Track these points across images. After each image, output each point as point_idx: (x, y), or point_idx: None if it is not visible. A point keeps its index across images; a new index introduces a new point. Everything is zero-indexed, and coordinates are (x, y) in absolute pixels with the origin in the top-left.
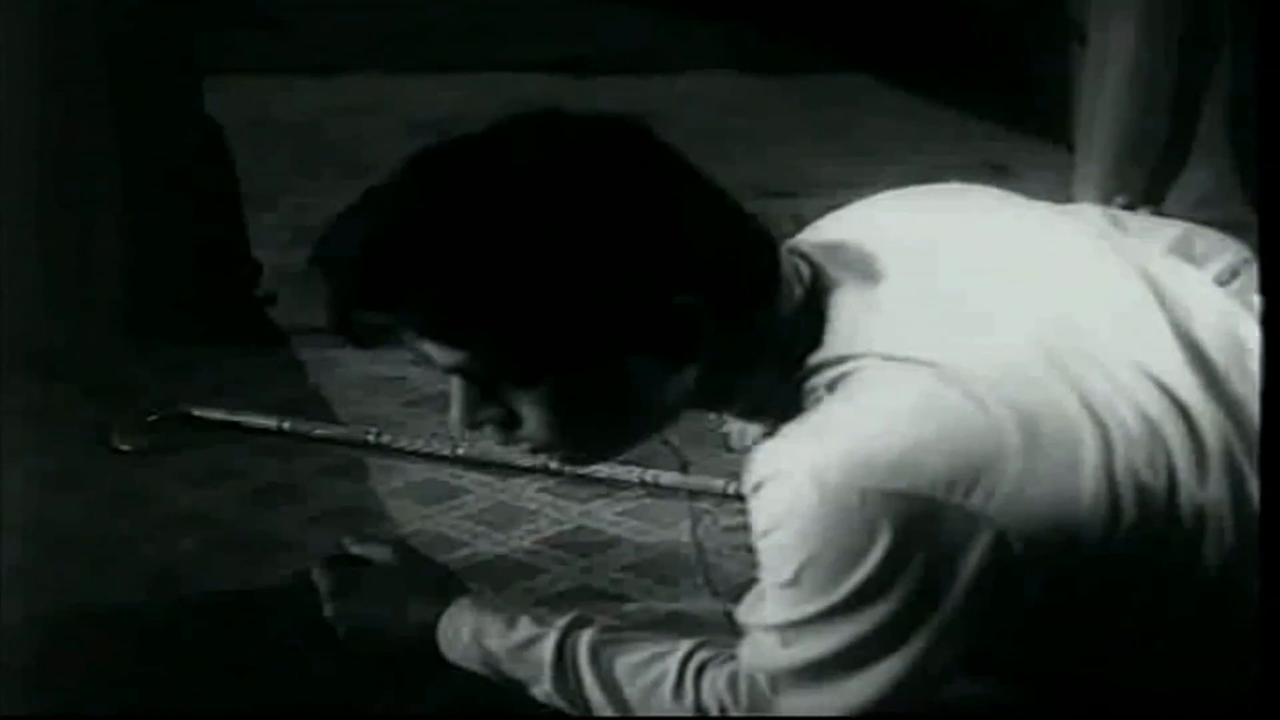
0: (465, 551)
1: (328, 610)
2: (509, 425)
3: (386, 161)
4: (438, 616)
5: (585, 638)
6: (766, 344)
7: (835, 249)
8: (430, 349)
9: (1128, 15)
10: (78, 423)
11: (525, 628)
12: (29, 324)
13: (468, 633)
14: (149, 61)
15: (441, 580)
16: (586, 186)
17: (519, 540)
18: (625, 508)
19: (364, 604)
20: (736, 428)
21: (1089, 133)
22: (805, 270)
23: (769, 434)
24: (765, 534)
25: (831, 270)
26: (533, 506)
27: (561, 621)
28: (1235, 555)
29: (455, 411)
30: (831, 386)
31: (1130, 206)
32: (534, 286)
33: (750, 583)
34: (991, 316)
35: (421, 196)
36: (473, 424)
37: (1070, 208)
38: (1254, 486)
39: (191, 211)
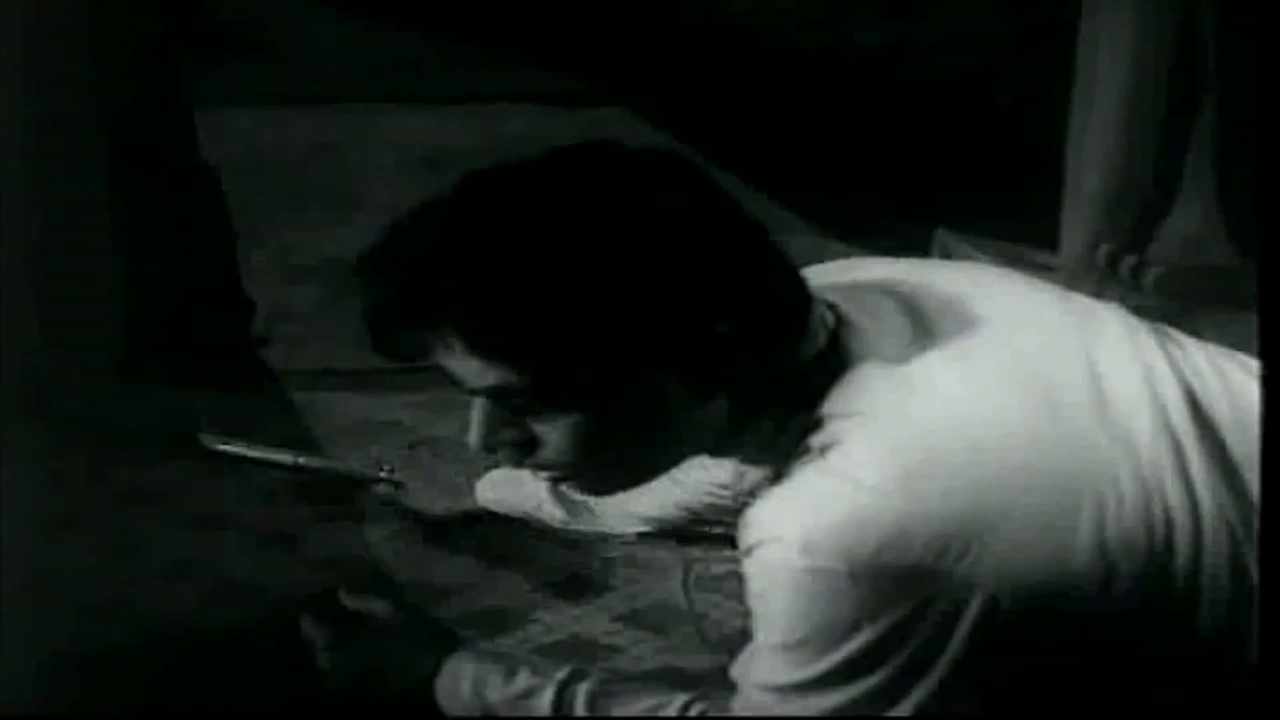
0: (456, 600)
1: (323, 662)
2: (527, 448)
3: (376, 196)
4: (436, 668)
5: (584, 689)
6: (784, 387)
7: (859, 298)
8: (466, 368)
9: (1115, 58)
10: (73, 466)
11: (524, 679)
12: (25, 366)
13: (467, 685)
14: (142, 102)
15: (439, 633)
16: (633, 214)
17: (513, 586)
18: (616, 554)
19: (360, 656)
20: (735, 470)
21: (1076, 176)
22: (830, 319)
23: (771, 478)
24: (759, 596)
25: (854, 320)
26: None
27: (560, 673)
28: (1232, 615)
29: (474, 433)
30: (827, 447)
31: (1117, 251)
32: (576, 310)
33: (743, 634)
34: (995, 375)
35: (469, 216)
36: (491, 446)
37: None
38: (1250, 555)
39: (185, 253)
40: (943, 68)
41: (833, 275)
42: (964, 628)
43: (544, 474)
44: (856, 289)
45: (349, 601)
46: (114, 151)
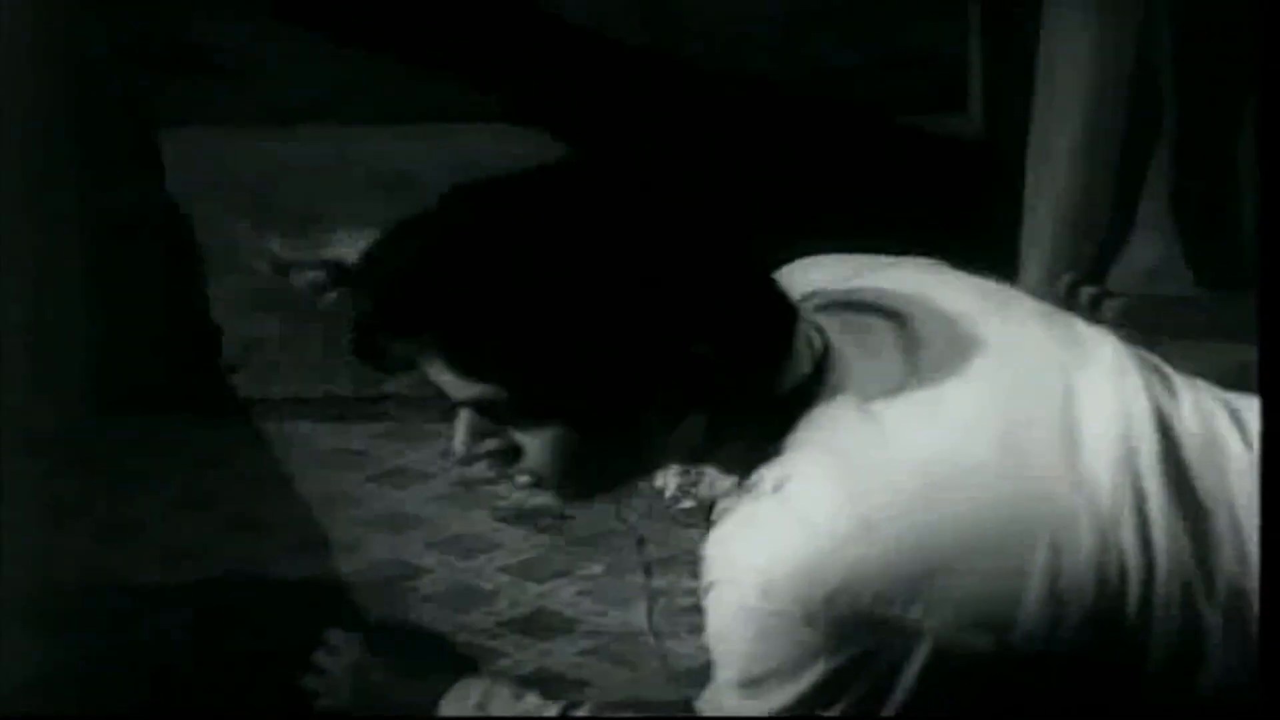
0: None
1: (333, 695)
2: (509, 457)
3: (345, 218)
4: (446, 689)
5: (585, 710)
6: (763, 409)
7: (852, 322)
8: (448, 380)
9: (1073, 89)
10: (49, 496)
11: (531, 700)
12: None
13: (474, 700)
14: (111, 131)
15: (449, 654)
16: (614, 234)
17: (479, 621)
18: (582, 588)
19: (369, 682)
20: (709, 476)
21: (1035, 204)
22: (818, 343)
23: (741, 481)
24: (717, 635)
25: (840, 351)
26: (489, 587)
27: (559, 704)
28: (1180, 662)
29: (458, 441)
30: (788, 480)
31: (1077, 281)
32: (555, 330)
33: (709, 666)
34: (969, 415)
35: (451, 234)
36: (474, 455)
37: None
38: (1204, 603)
39: (153, 282)
40: (904, 91)
41: (837, 282)
42: (912, 670)
43: (525, 480)
44: (852, 308)
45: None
46: (84, 180)
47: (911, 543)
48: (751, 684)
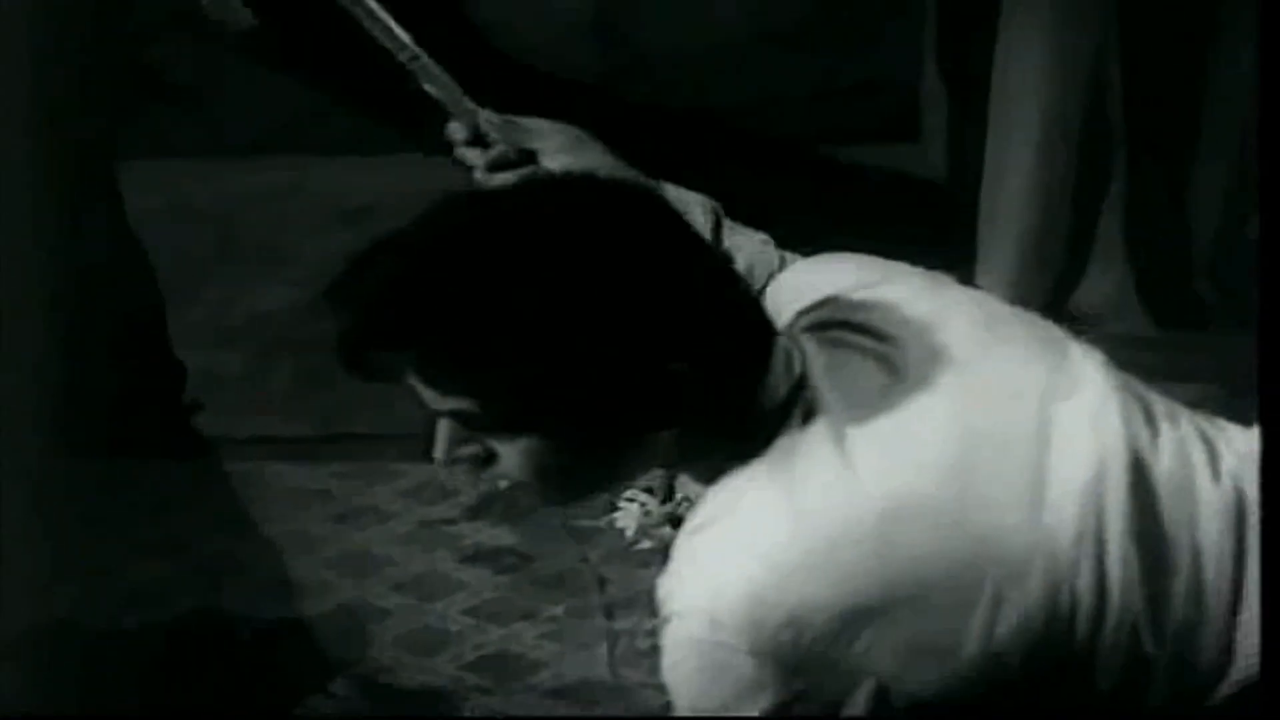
0: (387, 679)
1: None
2: (486, 462)
3: (303, 251)
4: None
5: None
6: (738, 426)
7: (835, 347)
8: (426, 393)
9: (1028, 121)
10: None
11: None
12: None
13: None
14: (69, 165)
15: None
16: (595, 248)
17: (443, 666)
18: (545, 630)
19: None
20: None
21: (990, 239)
22: (797, 367)
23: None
24: (669, 668)
25: (818, 379)
26: (455, 628)
27: None
28: (1126, 691)
29: (438, 449)
30: (743, 507)
31: None
32: (535, 343)
33: (668, 707)
34: (936, 450)
35: (436, 246)
36: (453, 461)
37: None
38: (1150, 642)
39: (112, 320)
40: (856, 120)
41: (859, 288)
42: (856, 708)
43: (502, 484)
44: (849, 327)
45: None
46: (40, 218)
47: (859, 578)
48: (702, 715)
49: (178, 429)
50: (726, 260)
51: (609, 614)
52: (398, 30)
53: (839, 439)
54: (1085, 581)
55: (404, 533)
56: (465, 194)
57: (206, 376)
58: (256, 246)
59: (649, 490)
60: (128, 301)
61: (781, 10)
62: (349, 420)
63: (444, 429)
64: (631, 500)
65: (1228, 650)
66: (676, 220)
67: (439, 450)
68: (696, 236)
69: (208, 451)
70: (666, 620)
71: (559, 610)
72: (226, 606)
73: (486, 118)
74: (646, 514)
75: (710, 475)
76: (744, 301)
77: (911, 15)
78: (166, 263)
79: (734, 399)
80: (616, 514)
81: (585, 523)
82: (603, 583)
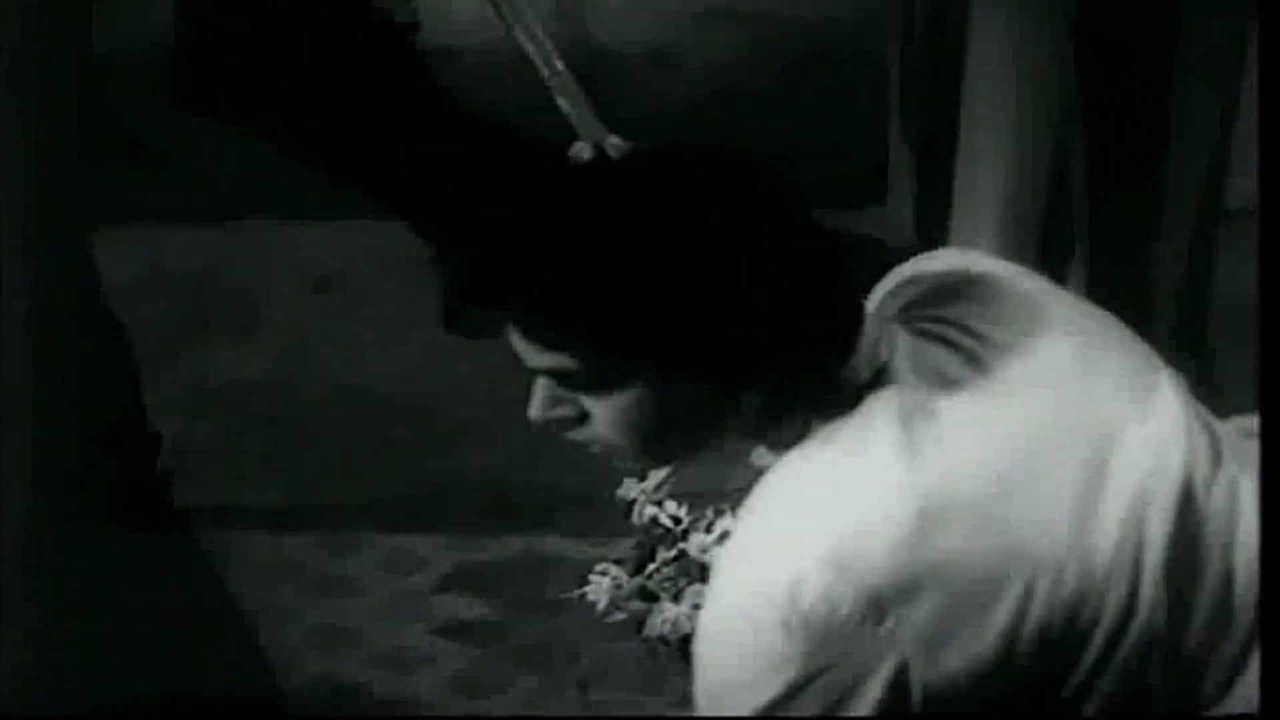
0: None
1: None
2: (579, 423)
3: (275, 316)
4: None
5: None
6: (818, 398)
7: (927, 342)
8: (527, 348)
9: (993, 184)
10: None
11: None
12: None
13: None
14: (43, 229)
15: None
16: (694, 216)
17: None
18: (518, 703)
19: None
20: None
21: None
22: (882, 352)
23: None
24: (702, 637)
25: (899, 373)
26: (427, 702)
27: None
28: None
29: (535, 407)
30: (790, 483)
31: None
32: (635, 304)
33: None
34: (988, 451)
35: (540, 203)
36: (547, 420)
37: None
38: (1158, 672)
39: (90, 393)
40: (827, 183)
41: (1001, 272)
42: (876, 686)
43: (595, 448)
44: (930, 320)
45: None
46: (15, 286)
47: (891, 565)
48: (731, 689)
49: (149, 499)
50: (826, 235)
51: (582, 688)
52: (549, 47)
53: (906, 428)
54: (1114, 598)
55: (376, 604)
56: (572, 164)
57: (179, 445)
58: (227, 312)
59: (619, 563)
60: (99, 376)
61: (745, 74)
62: (321, 490)
63: (540, 388)
64: (603, 573)
65: (1226, 687)
66: (777, 191)
67: (535, 409)
68: (795, 209)
69: (179, 522)
70: (704, 600)
71: (533, 683)
72: (196, 681)
73: (612, 142)
74: (618, 587)
75: (784, 446)
76: (837, 276)
77: (876, 78)
78: (140, 328)
79: (819, 371)
80: (588, 587)
81: (558, 595)
82: (576, 656)
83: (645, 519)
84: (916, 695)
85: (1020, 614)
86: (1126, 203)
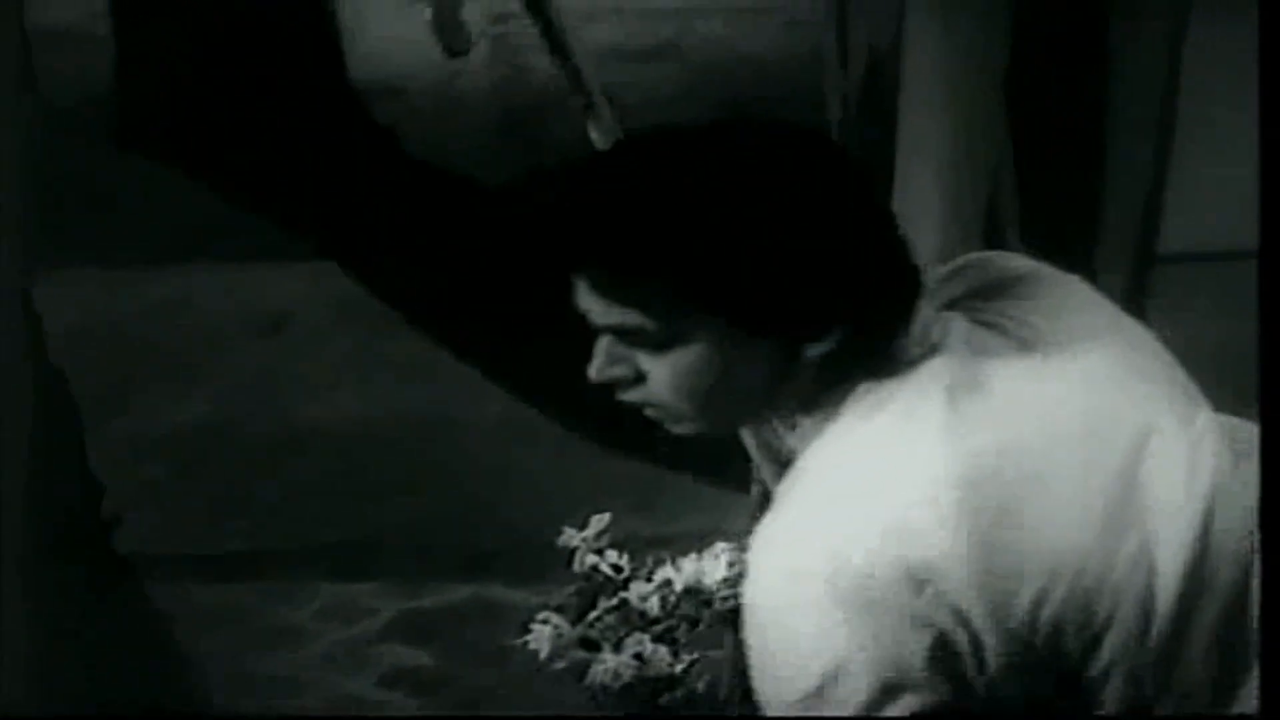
0: None
1: None
2: (635, 383)
3: (219, 360)
4: None
5: None
6: (868, 372)
7: (984, 330)
8: (598, 304)
9: (930, 210)
10: None
11: None
12: None
13: None
14: None
15: None
16: (775, 179)
17: None
18: None
19: None
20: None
21: None
22: (934, 335)
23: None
24: (751, 605)
25: (951, 353)
26: None
27: None
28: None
29: (595, 366)
30: (835, 456)
31: None
32: (714, 259)
33: None
34: (1018, 442)
35: (611, 160)
36: (605, 378)
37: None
38: (1150, 684)
39: (34, 440)
40: None
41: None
42: (919, 650)
43: (649, 411)
44: (991, 314)
45: None
46: None
47: (926, 550)
48: (769, 669)
49: (92, 547)
50: (889, 210)
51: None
52: (587, 75)
53: (954, 403)
54: (1129, 604)
55: (321, 653)
56: (639, 130)
57: (122, 494)
58: (172, 357)
59: (560, 610)
60: (41, 415)
61: (683, 111)
62: (264, 537)
63: (602, 346)
64: (544, 622)
65: (1226, 701)
66: (846, 163)
67: (594, 368)
68: (866, 182)
69: (123, 570)
70: (749, 576)
71: None
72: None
73: None
74: (559, 636)
75: (832, 417)
76: (898, 253)
77: (814, 114)
78: (85, 374)
79: (878, 336)
80: (529, 635)
81: (501, 643)
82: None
83: (586, 567)
84: (971, 671)
85: (1045, 595)
86: (1058, 249)
